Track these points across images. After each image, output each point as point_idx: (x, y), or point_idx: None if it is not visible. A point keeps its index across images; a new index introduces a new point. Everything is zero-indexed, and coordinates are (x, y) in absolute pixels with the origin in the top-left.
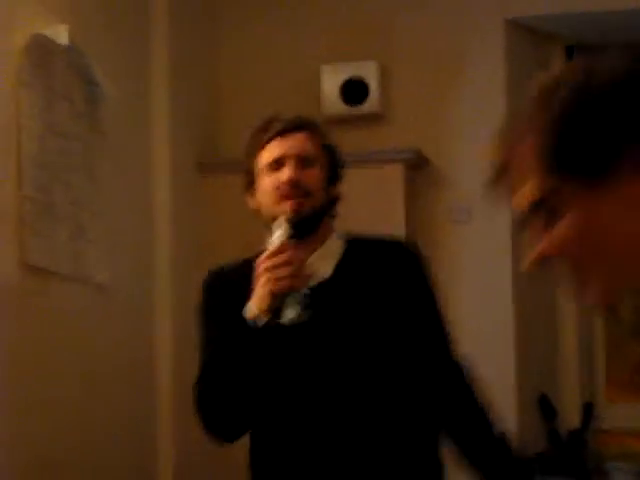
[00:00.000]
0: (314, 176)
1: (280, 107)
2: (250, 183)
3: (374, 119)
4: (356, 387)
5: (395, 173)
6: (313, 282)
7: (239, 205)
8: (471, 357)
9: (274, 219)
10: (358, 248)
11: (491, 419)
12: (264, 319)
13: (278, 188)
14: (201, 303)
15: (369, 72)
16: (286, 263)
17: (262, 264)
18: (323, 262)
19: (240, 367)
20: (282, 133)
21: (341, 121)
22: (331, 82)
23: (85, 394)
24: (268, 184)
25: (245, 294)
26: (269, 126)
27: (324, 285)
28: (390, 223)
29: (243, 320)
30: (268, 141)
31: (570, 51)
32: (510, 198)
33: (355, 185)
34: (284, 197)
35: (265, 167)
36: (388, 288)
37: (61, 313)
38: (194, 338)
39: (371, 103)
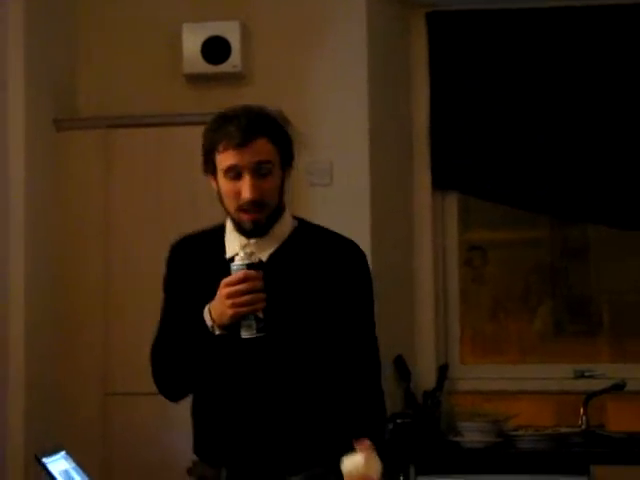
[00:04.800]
0: (271, 186)
1: (141, 65)
2: (208, 169)
3: (235, 78)
4: (274, 363)
5: None
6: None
7: (95, 162)
8: None
9: (232, 218)
10: (303, 236)
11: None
12: (218, 331)
13: (237, 199)
14: (167, 266)
15: (231, 31)
16: (245, 292)
17: (224, 288)
18: (263, 247)
19: (185, 355)
20: (240, 144)
21: (202, 80)
22: (193, 41)
23: None
24: (227, 190)
25: (205, 265)
26: (226, 127)
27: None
28: None
29: (201, 316)
30: (225, 148)
31: (431, 17)
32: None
33: None
34: (243, 210)
35: (223, 171)
36: (319, 278)
37: None
38: (45, 290)
39: (232, 62)
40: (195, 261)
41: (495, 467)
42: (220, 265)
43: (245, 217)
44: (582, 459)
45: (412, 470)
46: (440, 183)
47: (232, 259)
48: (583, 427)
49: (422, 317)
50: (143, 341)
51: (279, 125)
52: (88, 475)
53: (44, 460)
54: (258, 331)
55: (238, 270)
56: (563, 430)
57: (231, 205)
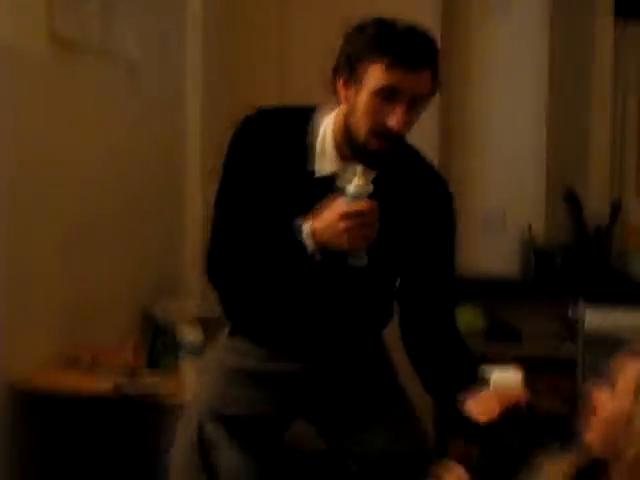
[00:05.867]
0: (414, 122)
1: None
2: (350, 75)
3: None
4: (358, 285)
5: None
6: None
7: (274, 22)
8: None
9: (352, 135)
10: (397, 163)
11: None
12: (319, 257)
13: (378, 121)
14: (239, 144)
15: None
16: (367, 225)
17: (345, 220)
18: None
19: (269, 271)
20: (411, 67)
21: None
22: None
23: (114, 170)
24: (370, 108)
25: (285, 152)
26: (396, 41)
27: None
28: (424, 13)
29: (292, 228)
30: (391, 65)
31: None
32: None
33: None
34: (376, 134)
35: (376, 87)
36: (409, 212)
37: (90, 87)
38: (223, 115)
39: None
40: (275, 152)
41: None
42: (302, 175)
43: (375, 143)
44: None
45: (581, 300)
46: (622, 11)
47: (326, 179)
48: None
49: (596, 150)
50: None
51: (438, 59)
52: None
53: None
54: (365, 260)
55: (356, 200)
56: None
57: (365, 124)
